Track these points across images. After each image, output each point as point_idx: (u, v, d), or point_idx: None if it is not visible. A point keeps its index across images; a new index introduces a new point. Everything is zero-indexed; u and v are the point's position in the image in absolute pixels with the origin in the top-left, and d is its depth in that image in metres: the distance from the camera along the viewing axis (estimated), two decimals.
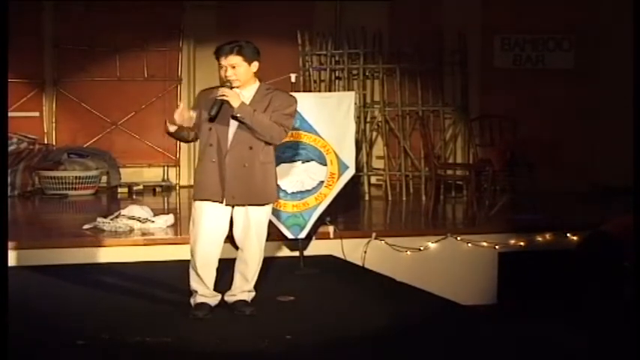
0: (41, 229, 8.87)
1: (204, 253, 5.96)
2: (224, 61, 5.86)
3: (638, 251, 6.46)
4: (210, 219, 5.93)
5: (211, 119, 5.87)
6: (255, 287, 6.22)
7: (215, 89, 5.96)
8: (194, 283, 6.06)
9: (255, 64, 5.93)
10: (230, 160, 5.88)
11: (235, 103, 5.80)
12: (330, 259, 7.99)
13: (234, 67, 5.85)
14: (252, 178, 5.92)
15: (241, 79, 5.88)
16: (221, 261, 6.07)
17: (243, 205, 5.96)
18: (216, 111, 5.84)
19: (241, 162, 5.89)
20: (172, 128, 5.88)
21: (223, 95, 5.82)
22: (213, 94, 5.94)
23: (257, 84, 5.98)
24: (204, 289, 6.05)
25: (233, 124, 5.89)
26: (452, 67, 11.33)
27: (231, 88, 5.86)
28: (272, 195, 6.08)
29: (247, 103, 5.87)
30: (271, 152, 6.04)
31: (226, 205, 5.93)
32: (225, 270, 6.14)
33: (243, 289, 6.14)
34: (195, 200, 5.99)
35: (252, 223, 6.00)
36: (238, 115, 5.81)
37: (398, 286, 7.27)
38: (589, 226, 8.24)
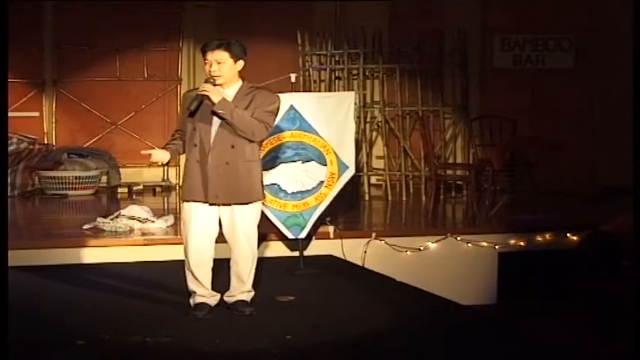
0: (41, 229, 8.87)
1: (196, 253, 5.97)
2: (210, 56, 5.85)
3: (638, 251, 6.45)
4: (199, 219, 5.94)
5: (191, 114, 5.86)
6: (255, 287, 6.23)
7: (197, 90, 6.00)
8: (191, 284, 6.07)
9: (241, 63, 5.91)
10: (212, 158, 5.87)
11: (216, 99, 5.78)
12: (330, 259, 8.00)
13: (219, 63, 5.84)
14: (235, 176, 5.90)
15: (225, 76, 5.86)
16: (218, 261, 6.08)
17: (228, 205, 5.96)
18: (196, 106, 5.83)
19: (223, 160, 5.88)
20: (166, 159, 5.93)
21: (204, 90, 5.81)
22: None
23: (240, 83, 5.96)
24: (202, 290, 6.05)
25: (215, 124, 5.87)
26: (452, 67, 11.33)
27: (214, 85, 5.86)
28: (257, 193, 6.04)
29: (229, 100, 5.87)
30: (256, 151, 6.04)
31: (211, 204, 5.93)
32: (224, 270, 6.14)
33: (241, 289, 6.14)
34: (183, 201, 6.01)
35: (239, 222, 5.98)
36: (219, 111, 5.79)
37: (398, 286, 7.26)
38: (589, 226, 8.25)
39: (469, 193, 9.98)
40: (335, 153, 7.53)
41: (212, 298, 6.10)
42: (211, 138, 5.88)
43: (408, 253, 8.16)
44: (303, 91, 10.38)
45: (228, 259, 6.12)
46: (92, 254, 7.72)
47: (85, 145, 11.67)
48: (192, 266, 5.99)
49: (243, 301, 6.13)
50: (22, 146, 11.07)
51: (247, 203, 5.99)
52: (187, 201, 5.96)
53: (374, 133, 11.49)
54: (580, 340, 6.32)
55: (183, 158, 6.07)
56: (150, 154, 5.92)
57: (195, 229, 5.94)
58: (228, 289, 6.18)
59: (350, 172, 7.62)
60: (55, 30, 11.59)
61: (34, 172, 11.17)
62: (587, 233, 8.16)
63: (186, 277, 6.08)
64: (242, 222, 6.00)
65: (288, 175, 7.45)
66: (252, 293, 6.20)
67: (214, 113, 5.82)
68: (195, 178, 5.90)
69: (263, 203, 7.25)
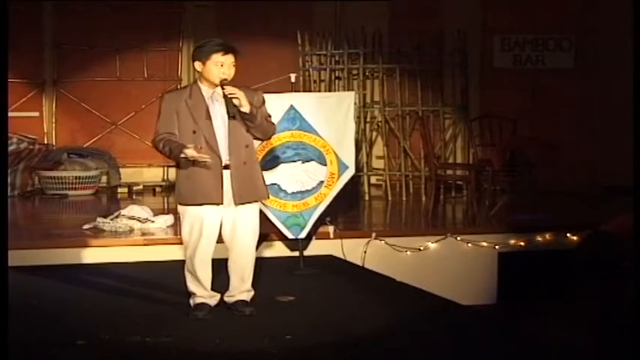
0: (41, 229, 8.86)
1: (204, 256, 5.97)
2: (228, 59, 5.83)
3: (638, 251, 6.45)
4: (209, 223, 5.92)
5: (233, 117, 5.83)
6: (255, 287, 6.23)
7: (181, 91, 5.93)
8: (192, 286, 6.06)
9: None
10: (232, 160, 5.87)
11: (245, 101, 5.78)
12: (330, 259, 7.99)
13: (233, 66, 5.86)
14: (251, 176, 5.95)
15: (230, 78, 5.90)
16: (217, 261, 6.08)
17: (237, 204, 5.96)
18: (235, 109, 5.81)
19: (241, 161, 5.90)
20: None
21: (233, 94, 5.77)
22: (183, 96, 5.88)
23: None
24: (202, 291, 6.05)
25: (219, 125, 5.86)
26: (452, 67, 11.33)
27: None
28: (265, 191, 6.15)
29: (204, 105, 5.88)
30: (256, 150, 6.19)
31: (236, 205, 5.93)
32: (223, 270, 6.14)
33: (241, 289, 6.13)
34: (188, 205, 5.92)
35: (245, 221, 5.99)
36: (249, 112, 5.80)
37: (398, 286, 7.26)
38: (589, 226, 8.24)
39: (469, 193, 9.98)
40: (335, 153, 7.53)
41: (212, 299, 6.10)
42: (219, 139, 5.86)
43: (408, 253, 8.16)
44: (303, 91, 10.38)
45: (226, 259, 6.11)
46: (92, 254, 7.72)
47: (85, 145, 11.67)
48: (197, 268, 5.98)
49: (243, 301, 6.13)
50: (22, 146, 11.07)
51: (256, 201, 6.05)
52: (196, 205, 5.90)
53: (374, 133, 11.49)
54: (580, 340, 6.31)
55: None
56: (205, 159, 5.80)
57: (206, 233, 5.92)
58: (227, 289, 6.17)
59: (350, 172, 7.62)
60: (55, 30, 11.59)
61: (34, 172, 11.17)
62: (587, 233, 8.16)
63: (185, 278, 6.07)
64: (248, 220, 6.01)
65: (288, 175, 7.45)
66: (252, 293, 6.19)
67: (243, 114, 5.80)
68: (207, 181, 5.85)
69: (262, 202, 7.31)
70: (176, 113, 5.88)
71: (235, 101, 5.77)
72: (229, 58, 5.83)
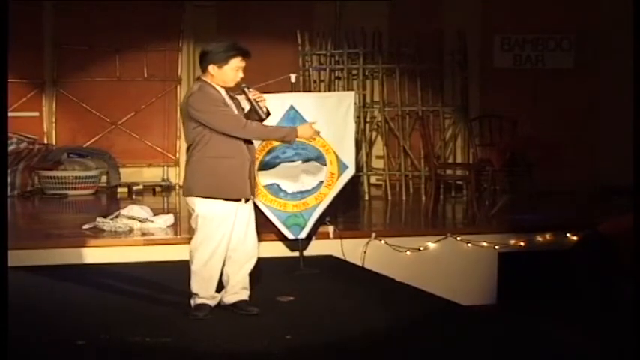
0: (41, 229, 8.86)
1: (223, 254, 5.99)
2: (243, 64, 5.90)
3: (637, 251, 6.45)
4: (232, 219, 5.94)
5: (262, 119, 6.03)
6: (255, 287, 6.23)
7: (206, 90, 5.85)
8: (197, 287, 6.02)
9: None
10: (250, 156, 5.96)
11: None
12: (330, 259, 7.99)
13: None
14: (255, 172, 6.10)
15: None
16: None
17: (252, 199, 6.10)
18: (262, 112, 6.02)
19: (253, 157, 6.05)
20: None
21: (259, 97, 5.97)
22: (214, 93, 5.89)
23: None
24: (207, 292, 6.04)
25: None
26: (452, 68, 11.32)
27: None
28: None
29: (228, 102, 5.97)
30: (256, 150, 6.34)
31: (251, 200, 6.04)
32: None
33: (244, 285, 6.12)
34: (216, 199, 5.87)
35: (253, 217, 6.10)
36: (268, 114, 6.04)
37: (398, 286, 7.27)
38: (589, 226, 8.24)
39: (469, 193, 9.97)
40: (335, 153, 7.53)
41: (213, 300, 6.10)
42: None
43: (408, 253, 8.16)
44: (303, 91, 10.38)
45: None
46: (92, 254, 7.72)
47: (85, 145, 11.67)
48: (213, 268, 5.97)
49: (245, 301, 6.13)
50: (22, 146, 11.07)
51: None
52: (230, 200, 5.89)
53: (374, 133, 11.49)
54: (580, 340, 6.32)
55: (183, 159, 6.07)
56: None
57: (230, 229, 5.93)
58: (222, 289, 6.16)
59: (350, 172, 7.62)
60: (55, 30, 11.59)
61: (34, 172, 11.17)
62: (582, 234, 8.17)
63: (191, 278, 6.02)
64: (254, 217, 6.11)
65: (288, 175, 7.45)
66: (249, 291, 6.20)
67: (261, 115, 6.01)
68: (236, 176, 5.88)
69: (263, 203, 7.34)
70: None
71: (261, 103, 5.95)
72: (244, 62, 5.89)
